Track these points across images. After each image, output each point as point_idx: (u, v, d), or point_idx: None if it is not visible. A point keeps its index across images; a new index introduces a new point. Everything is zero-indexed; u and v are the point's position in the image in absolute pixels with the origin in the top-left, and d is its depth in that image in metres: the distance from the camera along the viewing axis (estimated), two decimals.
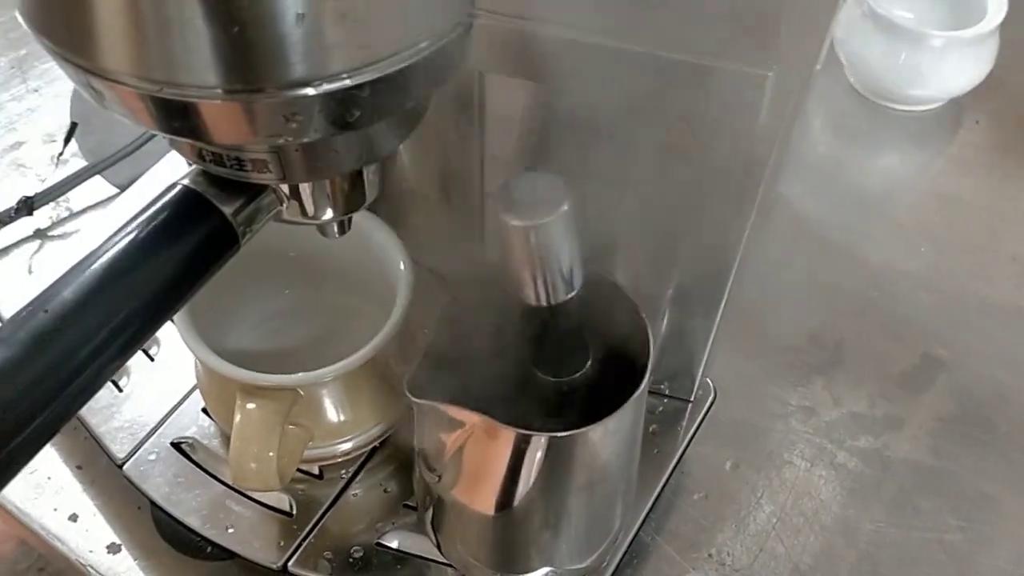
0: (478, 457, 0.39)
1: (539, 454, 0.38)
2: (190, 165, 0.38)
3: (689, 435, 0.56)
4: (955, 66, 0.73)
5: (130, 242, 0.35)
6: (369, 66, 0.30)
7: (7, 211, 0.67)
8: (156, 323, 0.36)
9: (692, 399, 0.57)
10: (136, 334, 0.35)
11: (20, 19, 0.33)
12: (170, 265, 0.36)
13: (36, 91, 0.77)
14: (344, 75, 0.29)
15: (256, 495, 0.51)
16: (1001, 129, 0.79)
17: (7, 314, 0.61)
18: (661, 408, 0.56)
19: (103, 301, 0.34)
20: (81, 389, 0.33)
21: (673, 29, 0.31)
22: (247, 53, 0.28)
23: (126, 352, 0.35)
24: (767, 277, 0.66)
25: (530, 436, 0.37)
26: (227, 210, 0.37)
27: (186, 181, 0.37)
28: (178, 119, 0.31)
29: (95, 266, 0.34)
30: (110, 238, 0.35)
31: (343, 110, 0.31)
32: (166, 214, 0.36)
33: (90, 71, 0.31)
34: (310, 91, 0.29)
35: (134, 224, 0.35)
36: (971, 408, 0.61)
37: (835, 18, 0.37)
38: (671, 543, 0.54)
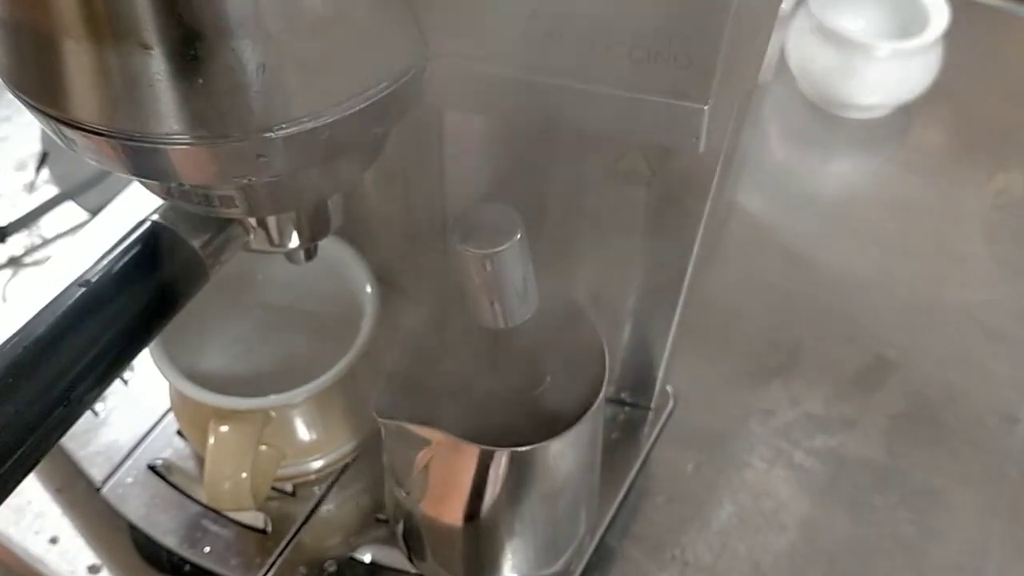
0: (444, 472, 0.41)
1: (502, 468, 0.40)
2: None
3: (650, 441, 0.58)
4: (901, 75, 0.76)
5: (103, 277, 0.36)
6: (328, 109, 0.32)
7: None
8: (131, 355, 0.38)
9: (652, 406, 0.58)
10: (112, 366, 0.37)
11: None
12: (143, 298, 0.37)
13: (7, 119, 0.78)
14: (305, 118, 0.31)
15: (231, 514, 0.52)
16: (948, 134, 0.81)
17: None
18: (622, 416, 0.58)
19: (79, 335, 0.35)
20: (60, 420, 0.35)
21: (615, 68, 0.33)
22: (211, 103, 0.30)
23: (103, 383, 0.36)
24: (725, 283, 0.69)
25: (492, 451, 0.39)
26: (196, 243, 0.38)
27: (155, 217, 0.39)
28: (148, 163, 0.32)
29: (70, 301, 0.35)
30: (84, 273, 0.36)
31: (305, 149, 0.33)
32: (137, 249, 0.37)
33: (62, 121, 0.32)
34: (272, 135, 0.31)
35: (107, 259, 0.37)
36: (921, 407, 0.63)
37: (768, 49, 0.40)
38: (636, 546, 0.55)
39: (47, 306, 0.35)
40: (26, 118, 0.78)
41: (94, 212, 0.72)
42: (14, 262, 0.69)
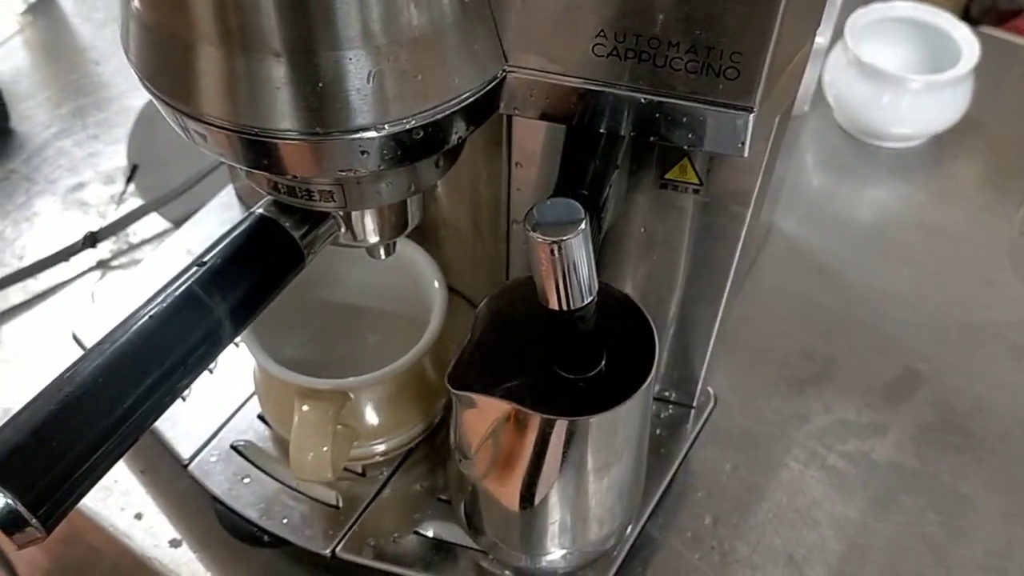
0: (508, 442, 0.45)
1: (561, 438, 0.44)
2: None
3: (692, 438, 0.61)
4: (933, 107, 0.80)
5: (216, 259, 0.41)
6: (422, 113, 0.37)
7: (73, 244, 0.74)
8: (236, 331, 0.42)
9: (694, 405, 0.62)
10: (218, 341, 0.41)
11: (132, 69, 0.40)
12: (248, 281, 0.42)
13: (95, 137, 0.84)
14: (403, 119, 0.36)
15: (306, 490, 0.57)
16: (978, 164, 0.85)
17: (77, 332, 0.67)
18: (666, 413, 0.62)
19: (196, 307, 0.40)
20: (171, 388, 0.39)
21: (673, 79, 0.38)
22: (327, 104, 0.35)
23: (211, 354, 0.41)
24: (764, 298, 0.73)
25: (554, 420, 0.43)
26: (296, 234, 0.43)
27: (260, 210, 0.43)
28: (265, 157, 0.37)
29: (188, 280, 0.40)
30: (198, 258, 0.41)
31: (399, 148, 0.38)
32: (246, 236, 0.42)
33: (191, 116, 0.37)
34: (375, 133, 0.36)
35: (220, 245, 0.42)
36: (948, 416, 0.66)
37: (809, 59, 0.44)
38: (676, 536, 0.59)
39: (169, 281, 0.40)
40: (113, 135, 0.85)
41: (176, 223, 0.77)
42: (102, 265, 0.75)
